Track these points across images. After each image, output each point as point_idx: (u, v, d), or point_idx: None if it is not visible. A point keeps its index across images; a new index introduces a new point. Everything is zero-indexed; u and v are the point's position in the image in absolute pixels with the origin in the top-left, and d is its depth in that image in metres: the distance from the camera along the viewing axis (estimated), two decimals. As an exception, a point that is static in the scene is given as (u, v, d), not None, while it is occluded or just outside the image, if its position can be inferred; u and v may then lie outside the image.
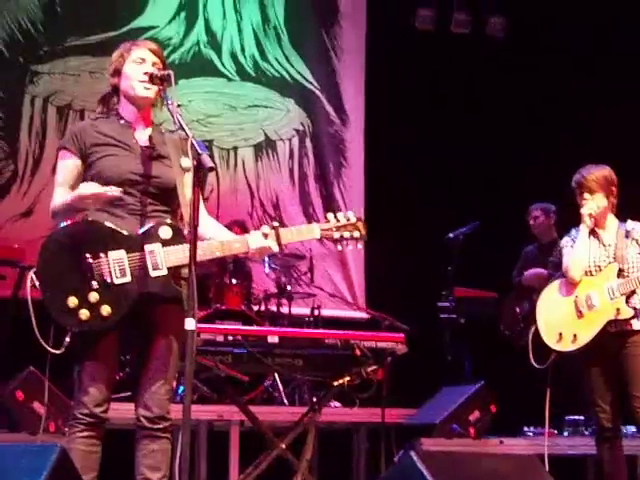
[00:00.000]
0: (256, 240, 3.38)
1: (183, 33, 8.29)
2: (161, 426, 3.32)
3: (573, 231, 4.59)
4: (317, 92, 8.66)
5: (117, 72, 3.44)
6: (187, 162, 3.06)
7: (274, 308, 6.93)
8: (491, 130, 8.41)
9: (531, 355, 4.61)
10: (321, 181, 8.52)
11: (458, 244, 6.81)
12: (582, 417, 6.28)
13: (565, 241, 4.63)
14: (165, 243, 3.27)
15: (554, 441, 5.72)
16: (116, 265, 3.22)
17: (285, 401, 6.41)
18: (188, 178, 3.19)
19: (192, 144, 3.05)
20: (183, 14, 8.32)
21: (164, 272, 3.22)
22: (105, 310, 3.18)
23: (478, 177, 8.32)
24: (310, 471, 4.48)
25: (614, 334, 4.38)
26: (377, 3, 8.69)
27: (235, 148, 8.33)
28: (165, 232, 3.28)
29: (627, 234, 4.49)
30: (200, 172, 3.04)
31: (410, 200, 8.28)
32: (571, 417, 6.33)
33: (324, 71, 8.70)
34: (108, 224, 3.26)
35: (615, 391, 4.40)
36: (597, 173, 4.51)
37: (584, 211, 4.49)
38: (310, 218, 8.40)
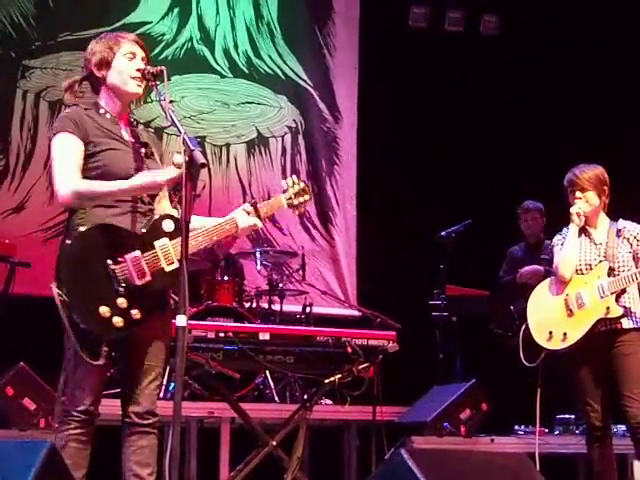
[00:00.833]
0: (242, 219, 3.49)
1: (176, 29, 8.27)
2: (150, 421, 3.32)
3: (565, 230, 4.60)
4: (310, 89, 8.65)
5: (106, 64, 3.38)
6: (179, 158, 3.05)
7: (266, 305, 6.92)
8: (484, 129, 8.41)
9: (522, 353, 4.61)
10: (313, 178, 8.51)
11: (450, 242, 6.81)
12: (573, 416, 6.29)
13: (557, 239, 4.64)
14: (171, 236, 3.27)
15: (545, 440, 5.72)
16: (136, 267, 3.21)
17: (276, 398, 6.40)
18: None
19: (184, 140, 3.04)
20: (176, 10, 8.30)
21: (177, 265, 3.20)
22: (135, 314, 3.18)
23: (471, 175, 8.32)
24: (301, 468, 4.48)
25: (604, 333, 4.39)
26: (370, 1, 8.68)
27: (227, 145, 8.32)
28: (168, 225, 3.29)
29: (618, 233, 4.50)
30: (192, 168, 3.03)
31: (402, 198, 8.29)
32: (562, 416, 6.35)
33: (317, 68, 8.70)
34: (120, 226, 3.25)
35: (605, 390, 4.41)
36: (589, 172, 4.52)
37: (573, 210, 4.50)
38: (301, 215, 8.38)
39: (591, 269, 4.47)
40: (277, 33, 8.62)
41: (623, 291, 4.39)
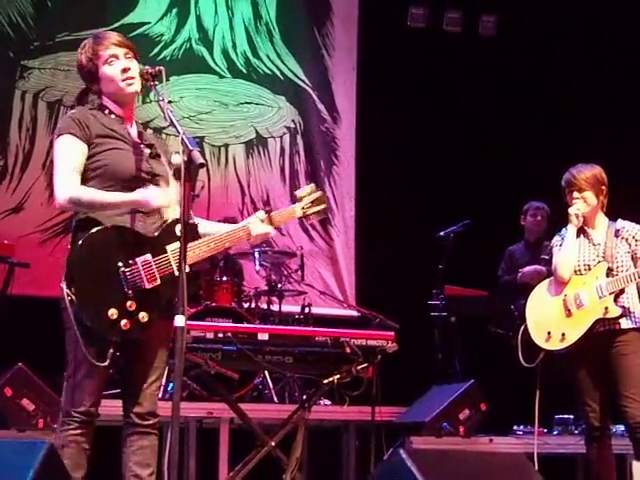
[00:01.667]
0: (256, 227, 3.54)
1: (174, 30, 8.27)
2: (151, 422, 3.33)
3: (563, 230, 4.60)
4: (309, 90, 8.65)
5: (94, 78, 3.37)
6: (177, 158, 3.04)
7: (264, 306, 6.92)
8: (483, 128, 8.42)
9: (520, 354, 4.61)
10: (312, 178, 8.49)
11: (449, 242, 6.81)
12: (572, 416, 6.29)
13: (555, 240, 4.64)
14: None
15: (544, 440, 5.72)
16: (146, 270, 3.21)
17: (275, 399, 6.40)
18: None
19: (183, 140, 3.04)
20: (175, 10, 8.30)
21: (187, 270, 3.15)
22: (143, 317, 3.18)
23: (469, 175, 8.32)
24: (299, 469, 4.47)
25: (602, 333, 4.39)
26: (369, 1, 8.69)
27: (226, 145, 8.32)
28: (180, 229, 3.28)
29: (617, 233, 4.50)
30: (191, 168, 3.03)
31: (401, 198, 8.29)
32: (561, 416, 6.34)
33: (316, 69, 8.70)
34: (132, 229, 3.24)
35: (604, 390, 4.41)
36: (587, 172, 4.51)
37: (571, 211, 4.50)
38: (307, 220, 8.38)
39: (590, 269, 4.47)
40: (275, 33, 8.62)
41: (622, 291, 4.39)
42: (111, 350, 3.14)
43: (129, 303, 3.16)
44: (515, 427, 6.30)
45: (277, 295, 6.90)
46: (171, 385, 5.70)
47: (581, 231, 4.54)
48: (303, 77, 8.64)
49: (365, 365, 4.31)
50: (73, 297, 3.10)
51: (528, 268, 6.23)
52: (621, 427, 5.42)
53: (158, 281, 3.23)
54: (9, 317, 5.66)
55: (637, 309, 4.43)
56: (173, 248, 3.26)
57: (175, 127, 3.12)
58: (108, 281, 3.15)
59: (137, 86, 3.35)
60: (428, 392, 6.17)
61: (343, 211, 8.58)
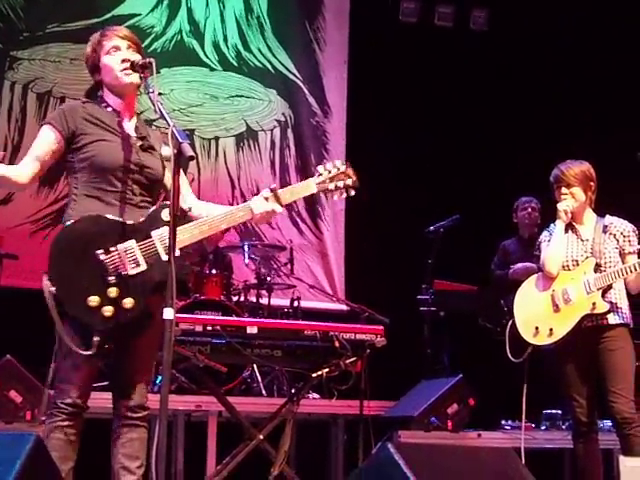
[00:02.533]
0: (259, 205, 3.45)
1: (165, 22, 8.24)
2: (141, 415, 3.33)
3: (552, 226, 4.60)
4: (299, 83, 8.64)
5: (95, 68, 3.42)
6: (167, 151, 3.04)
7: (253, 299, 6.92)
8: (473, 123, 8.42)
9: (508, 349, 4.62)
10: (302, 172, 8.50)
11: (438, 237, 6.82)
12: (559, 411, 6.31)
13: (544, 236, 4.65)
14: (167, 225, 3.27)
15: (531, 435, 5.75)
16: (128, 256, 3.20)
17: (263, 392, 6.40)
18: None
19: (173, 133, 3.03)
20: (165, 2, 8.28)
21: (177, 253, 3.15)
22: (128, 302, 3.17)
23: (460, 170, 8.33)
24: (287, 462, 4.48)
25: (590, 328, 4.40)
26: (361, -5, 8.68)
27: (216, 138, 8.31)
28: (167, 214, 3.26)
29: (605, 229, 4.51)
30: (181, 161, 3.02)
31: (391, 192, 8.29)
32: (548, 411, 6.37)
33: (307, 62, 8.69)
34: (112, 217, 3.24)
35: (591, 386, 4.42)
36: (575, 168, 4.52)
37: (560, 207, 4.51)
38: (290, 209, 8.40)
39: (578, 265, 4.48)
40: (267, 27, 8.61)
41: (609, 287, 4.40)
42: (96, 338, 3.13)
43: (111, 290, 3.15)
44: (503, 422, 6.32)
45: (266, 288, 6.90)
46: (159, 378, 5.69)
47: (569, 227, 4.55)
48: (294, 71, 8.63)
49: (354, 359, 4.32)
50: (52, 289, 3.11)
51: (519, 265, 6.25)
52: (608, 422, 5.45)
53: (143, 266, 3.22)
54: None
55: (624, 305, 4.44)
56: (159, 233, 3.26)
57: (165, 119, 3.12)
58: (88, 270, 3.15)
59: (135, 78, 3.35)
60: (416, 386, 6.19)
61: (333, 205, 8.57)
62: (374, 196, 8.30)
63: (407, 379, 6.30)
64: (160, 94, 3.22)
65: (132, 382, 3.32)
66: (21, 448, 2.78)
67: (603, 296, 4.39)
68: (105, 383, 3.48)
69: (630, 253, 4.45)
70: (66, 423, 3.19)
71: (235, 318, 5.71)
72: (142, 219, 3.28)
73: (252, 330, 4.25)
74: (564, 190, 4.50)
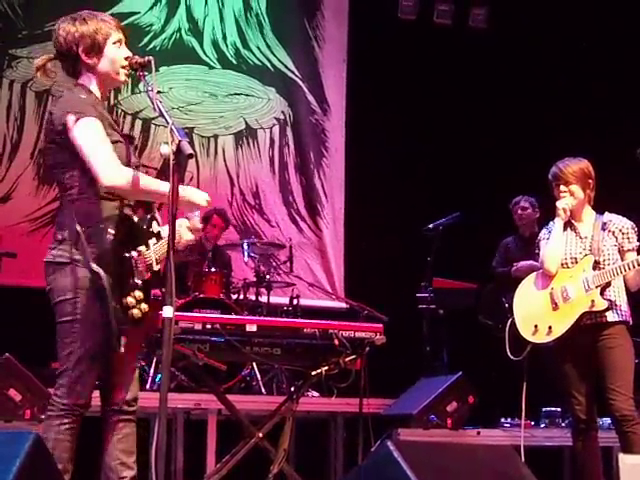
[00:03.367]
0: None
1: (164, 20, 8.24)
2: (134, 409, 3.35)
3: (551, 223, 4.60)
4: (298, 81, 8.64)
5: (98, 50, 3.29)
6: (166, 149, 3.04)
7: (253, 297, 6.92)
8: (473, 121, 8.42)
9: (507, 347, 4.62)
10: (301, 170, 8.51)
11: (437, 235, 6.82)
12: (559, 409, 6.32)
13: (543, 234, 4.65)
14: (157, 237, 3.32)
15: (530, 432, 5.75)
16: (144, 261, 3.24)
17: (263, 390, 6.41)
18: None
19: (172, 131, 3.03)
20: (164, 0, 8.27)
21: (156, 268, 3.26)
22: (145, 308, 3.21)
23: (459, 168, 8.33)
24: (287, 460, 4.47)
25: (589, 326, 4.40)
26: (360, -7, 8.68)
27: (215, 136, 8.30)
28: (155, 226, 3.32)
29: (603, 226, 4.50)
30: (179, 159, 3.02)
31: (390, 190, 8.29)
32: (548, 409, 6.37)
33: (306, 60, 8.69)
34: (135, 219, 3.27)
35: (590, 383, 4.42)
36: (574, 166, 4.52)
37: (559, 205, 4.51)
38: (290, 207, 8.40)
39: (577, 263, 4.48)
40: (266, 25, 8.60)
41: (608, 284, 4.39)
42: (124, 340, 3.15)
43: (137, 292, 3.19)
44: (502, 420, 6.32)
45: (265, 286, 6.90)
46: (159, 376, 5.69)
47: (568, 224, 4.55)
48: (293, 68, 8.63)
49: (353, 357, 4.31)
50: (107, 285, 3.10)
51: (523, 263, 6.22)
52: (607, 420, 5.46)
53: (149, 273, 3.27)
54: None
55: (623, 302, 4.44)
56: (153, 242, 3.30)
57: (164, 118, 3.10)
58: (125, 271, 3.18)
59: (127, 77, 3.36)
60: (416, 384, 6.19)
61: (332, 203, 8.58)
62: (373, 194, 8.33)
63: (406, 377, 6.30)
64: (159, 92, 3.22)
65: (130, 377, 3.34)
66: (20, 446, 2.77)
67: (602, 294, 4.38)
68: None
69: (629, 250, 4.44)
70: (75, 425, 3.17)
71: (234, 316, 5.70)
72: (144, 227, 3.30)
73: (251, 328, 4.24)
74: (563, 188, 4.50)
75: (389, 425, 5.55)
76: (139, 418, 3.42)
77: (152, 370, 6.05)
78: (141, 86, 3.41)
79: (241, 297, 6.90)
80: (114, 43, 3.32)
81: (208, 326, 4.14)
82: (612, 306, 4.39)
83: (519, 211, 6.70)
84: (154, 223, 3.31)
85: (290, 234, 7.95)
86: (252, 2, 8.60)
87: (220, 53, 8.43)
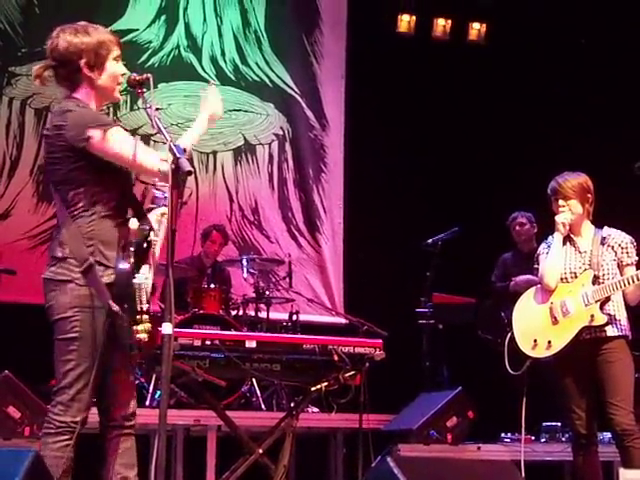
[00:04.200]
0: None
1: (163, 36, 8.27)
2: (133, 423, 3.34)
3: (550, 238, 4.61)
4: (297, 97, 8.66)
5: (100, 65, 3.28)
6: (165, 166, 3.04)
7: (252, 313, 6.92)
8: (471, 136, 8.44)
9: (507, 361, 4.62)
10: (300, 186, 8.52)
11: (437, 250, 6.82)
12: (559, 423, 6.30)
13: (542, 248, 4.65)
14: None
15: (531, 447, 5.74)
16: (148, 282, 3.21)
17: (263, 406, 6.39)
18: None
19: (171, 148, 3.03)
20: (163, 17, 8.30)
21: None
22: (147, 326, 3.16)
23: (458, 183, 8.34)
24: (287, 476, 4.46)
25: (588, 341, 4.39)
26: (358, 8, 8.71)
27: (214, 152, 8.32)
28: (152, 236, 3.28)
29: (603, 241, 4.51)
30: (178, 175, 3.02)
31: (390, 206, 8.30)
32: (548, 423, 6.36)
33: (304, 76, 8.71)
34: (133, 240, 3.23)
35: (590, 398, 4.41)
36: (572, 180, 4.52)
37: (558, 219, 4.51)
38: (289, 223, 8.41)
39: (576, 277, 4.48)
40: (264, 40, 8.63)
41: (607, 299, 4.39)
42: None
43: (145, 317, 3.14)
44: (502, 434, 6.32)
45: (265, 302, 6.90)
46: (158, 393, 5.68)
47: (567, 239, 4.55)
48: (292, 84, 8.66)
49: (353, 373, 4.31)
50: (121, 312, 3.10)
51: (521, 277, 6.22)
52: (608, 434, 5.44)
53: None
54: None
55: (623, 317, 4.44)
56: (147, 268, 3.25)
57: (163, 134, 3.11)
58: (135, 296, 3.14)
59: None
60: (416, 400, 6.18)
61: (331, 218, 8.58)
62: (373, 209, 8.34)
63: (406, 392, 6.29)
64: (158, 109, 3.21)
65: (127, 393, 3.32)
66: (19, 464, 2.77)
67: (601, 308, 4.38)
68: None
69: (628, 265, 4.45)
70: (73, 442, 3.15)
71: (234, 332, 5.70)
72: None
73: (251, 344, 4.24)
74: (562, 202, 4.50)
75: (389, 441, 5.54)
76: (139, 435, 3.42)
77: (152, 387, 6.04)
78: (140, 103, 3.40)
79: (240, 313, 6.90)
80: (115, 59, 3.32)
81: (207, 342, 4.14)
82: (611, 321, 4.39)
83: (517, 227, 6.71)
84: (151, 234, 3.24)
85: (289, 250, 7.95)
86: (250, 18, 8.63)
87: (219, 69, 8.45)
